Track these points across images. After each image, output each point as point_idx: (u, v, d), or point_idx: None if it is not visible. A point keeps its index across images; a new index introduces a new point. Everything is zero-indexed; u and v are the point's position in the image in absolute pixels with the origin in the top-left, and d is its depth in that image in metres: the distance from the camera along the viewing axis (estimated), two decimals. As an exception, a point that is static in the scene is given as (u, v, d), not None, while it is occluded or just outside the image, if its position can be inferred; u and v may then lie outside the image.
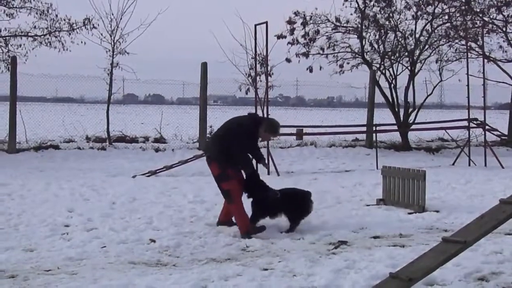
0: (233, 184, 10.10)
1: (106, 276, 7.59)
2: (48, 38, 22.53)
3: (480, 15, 24.63)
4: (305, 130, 23.84)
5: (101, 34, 22.56)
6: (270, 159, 17.13)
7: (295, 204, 10.37)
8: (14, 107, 20.07)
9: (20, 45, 22.37)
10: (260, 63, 20.75)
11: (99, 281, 7.39)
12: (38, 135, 22.24)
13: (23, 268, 8.01)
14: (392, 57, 24.97)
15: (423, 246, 8.75)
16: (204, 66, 21.96)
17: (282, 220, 10.68)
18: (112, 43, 22.58)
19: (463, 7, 24.21)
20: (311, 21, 24.63)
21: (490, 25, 24.93)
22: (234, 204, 10.10)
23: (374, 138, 21.58)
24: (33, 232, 9.88)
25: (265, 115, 18.25)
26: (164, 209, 11.85)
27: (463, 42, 23.73)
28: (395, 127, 24.02)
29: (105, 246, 9.11)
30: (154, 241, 9.42)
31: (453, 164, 20.18)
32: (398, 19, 24.74)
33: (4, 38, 22.22)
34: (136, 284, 7.23)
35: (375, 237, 9.94)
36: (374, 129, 22.02)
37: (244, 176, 10.23)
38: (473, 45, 24.64)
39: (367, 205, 12.66)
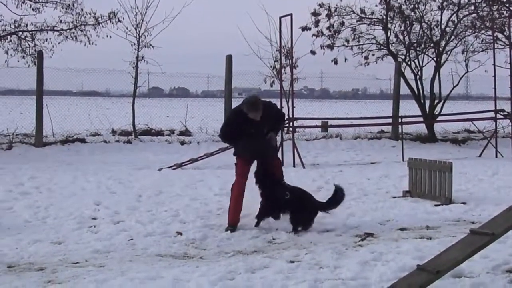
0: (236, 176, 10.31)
1: (133, 269, 7.63)
2: (74, 32, 22.62)
3: (507, 4, 24.41)
4: (330, 122, 23.78)
5: (126, 28, 22.68)
6: (295, 151, 17.12)
7: (300, 209, 9.88)
8: (40, 101, 20.20)
9: (46, 40, 22.49)
10: (285, 55, 20.75)
11: (126, 273, 7.44)
12: (65, 129, 22.37)
13: (52, 261, 8.08)
14: (418, 48, 24.83)
15: (450, 238, 8.69)
16: (229, 59, 21.96)
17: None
18: (137, 37, 22.69)
19: (489, -3, 24.01)
20: (336, 13, 24.53)
21: (517, 15, 24.71)
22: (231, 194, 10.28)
23: (399, 130, 21.47)
24: (61, 225, 9.97)
25: (291, 108, 18.25)
26: (190, 201, 11.89)
27: (490, 32, 23.57)
28: (421, 119, 23.88)
29: (132, 239, 9.17)
30: (180, 233, 9.46)
31: (480, 155, 20.06)
32: (423, 10, 24.59)
33: (30, 32, 22.34)
34: (163, 277, 7.27)
35: (401, 229, 9.91)
36: (399, 121, 21.90)
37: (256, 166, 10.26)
38: (500, 35, 24.42)
39: (394, 197, 12.62)
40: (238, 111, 10.02)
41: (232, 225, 9.84)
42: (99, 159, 18.25)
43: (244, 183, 10.21)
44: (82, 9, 22.59)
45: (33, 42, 22.38)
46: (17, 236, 9.28)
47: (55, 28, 22.44)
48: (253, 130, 9.95)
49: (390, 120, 23.38)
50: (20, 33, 22.15)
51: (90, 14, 22.70)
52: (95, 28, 22.81)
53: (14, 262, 8.02)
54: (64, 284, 7.07)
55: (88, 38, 22.81)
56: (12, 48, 22.16)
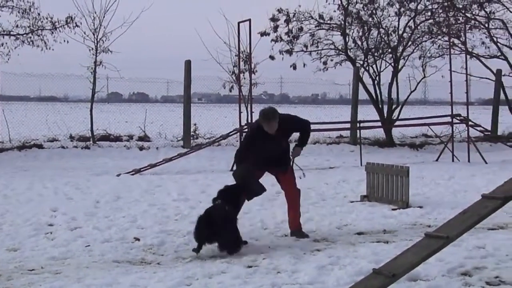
0: None
1: (90, 275, 7.59)
2: (30, 37, 22.40)
3: (463, 11, 24.75)
4: (289, 127, 23.82)
5: (84, 33, 22.46)
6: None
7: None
8: (-4, 107, 19.99)
9: (2, 44, 22.23)
10: (244, 60, 20.77)
11: (83, 280, 7.39)
12: (22, 134, 22.12)
13: (7, 268, 8.00)
14: (376, 54, 25.04)
15: (407, 242, 8.78)
16: (188, 64, 21.93)
17: (268, 216, 10.74)
18: (95, 42, 22.49)
19: (445, 4, 24.31)
20: (294, 18, 24.66)
21: (473, 21, 25.06)
22: None
23: (358, 135, 21.59)
24: (17, 232, 9.85)
25: (249, 112, 18.27)
26: (149, 207, 11.84)
27: (446, 38, 23.84)
28: (379, 124, 24.08)
29: (89, 245, 9.11)
30: (138, 239, 9.43)
31: (437, 160, 20.27)
32: (381, 16, 24.81)
33: (-14, 37, 22.11)
34: (120, 283, 7.23)
35: (359, 234, 10.00)
36: (358, 125, 22.06)
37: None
38: (456, 41, 24.72)
39: (351, 202, 12.70)
40: (257, 126, 9.73)
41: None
42: (56, 165, 18.09)
43: None
44: (39, 14, 22.38)
45: (-11, 47, 22.13)
46: (-29, 244, 9.16)
47: (11, 33, 22.21)
48: (267, 144, 9.60)
49: (348, 125, 23.52)
50: (-24, 38, 21.91)
51: (47, 18, 22.48)
52: (52, 32, 22.61)
53: (-32, 270, 7.92)
54: (19, 291, 7.00)
55: (45, 42, 22.60)
56: (-33, 53, 21.91)
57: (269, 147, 9.66)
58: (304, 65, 25.15)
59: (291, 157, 10.02)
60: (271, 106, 9.93)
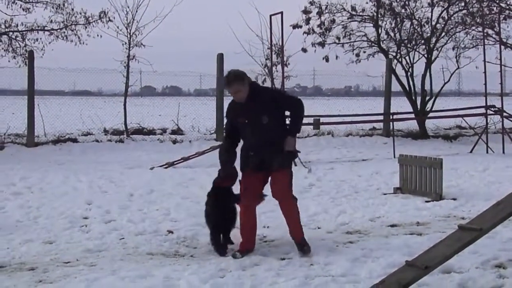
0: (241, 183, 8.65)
1: (125, 267, 7.66)
2: (64, 32, 22.64)
3: (497, 1, 24.47)
4: (322, 119, 23.85)
5: (117, 27, 22.67)
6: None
7: None
8: (32, 101, 20.19)
9: (37, 40, 22.49)
10: (276, 53, 20.79)
11: (117, 272, 7.46)
12: (57, 129, 22.35)
13: (43, 260, 8.10)
14: (409, 45, 24.89)
15: (440, 234, 8.74)
16: (220, 57, 21.98)
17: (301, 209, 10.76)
18: (128, 36, 22.66)
19: (479, -7, 24.07)
20: (326, 11, 24.58)
21: (507, 11, 24.78)
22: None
23: (391, 127, 21.51)
24: (52, 225, 9.97)
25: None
26: (182, 200, 11.91)
27: (480, 28, 23.61)
28: (412, 115, 23.95)
29: (123, 238, 9.19)
30: (171, 232, 9.48)
31: (471, 151, 20.11)
32: (414, 7, 24.65)
33: (21, 32, 22.34)
34: (154, 275, 7.30)
35: (392, 226, 9.96)
36: (391, 117, 21.98)
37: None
38: (490, 31, 24.52)
39: (384, 194, 12.67)
40: (231, 101, 8.37)
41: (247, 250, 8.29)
42: (91, 159, 18.25)
43: (250, 205, 8.50)
44: (72, 9, 22.62)
45: (24, 42, 22.38)
46: (8, 236, 9.28)
47: (46, 28, 22.45)
48: (247, 121, 8.14)
49: (381, 117, 23.45)
50: (11, 33, 22.15)
51: (80, 13, 22.73)
52: (86, 27, 22.83)
53: (5, 262, 8.03)
54: (55, 283, 7.09)
55: (79, 37, 22.84)
56: (2, 49, 22.18)
57: (248, 129, 8.20)
58: (337, 57, 25.10)
59: (286, 150, 8.19)
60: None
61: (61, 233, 9.49)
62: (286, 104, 8.13)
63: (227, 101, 23.09)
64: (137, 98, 41.07)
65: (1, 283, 7.11)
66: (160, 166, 16.50)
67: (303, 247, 8.20)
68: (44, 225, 9.95)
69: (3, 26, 22.10)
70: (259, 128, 8.09)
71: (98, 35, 22.97)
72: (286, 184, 8.33)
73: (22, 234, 9.37)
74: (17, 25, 22.33)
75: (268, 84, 21.25)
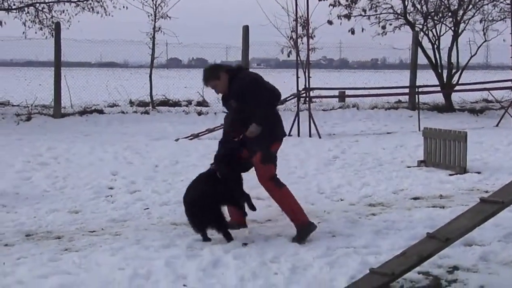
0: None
1: (149, 237, 7.76)
2: (90, 3, 22.68)
3: (526, -28, 24.16)
4: (347, 92, 23.80)
5: (143, -2, 22.67)
6: (311, 121, 17.16)
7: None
8: (58, 73, 20.30)
9: (63, 11, 22.56)
10: (302, 25, 20.71)
11: (142, 241, 7.57)
12: (83, 100, 22.47)
13: (69, 229, 8.24)
14: (435, 18, 24.66)
15: (463, 207, 8.70)
16: (246, 29, 21.95)
17: (324, 181, 10.80)
18: (154, 7, 22.67)
19: (507, -35, 23.78)
20: (352, -18, 24.39)
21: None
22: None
23: (417, 100, 21.42)
24: (78, 195, 10.11)
25: (307, 78, 18.26)
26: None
27: (508, 1, 23.35)
28: (438, 89, 23.81)
29: (148, 208, 9.31)
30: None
31: (497, 125, 19.99)
32: (441, -21, 24.38)
33: (47, 4, 22.43)
34: (177, 245, 7.40)
35: (415, 198, 9.99)
36: (417, 90, 21.88)
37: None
38: (518, 4, 24.20)
39: (408, 167, 12.66)
40: None
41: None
42: (116, 130, 18.36)
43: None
44: (98, -20, 22.63)
45: (50, 14, 22.46)
46: (35, 205, 9.44)
47: (72, 0, 22.50)
48: (228, 116, 8.27)
49: (407, 90, 23.33)
50: (37, 4, 22.24)
51: (106, -16, 22.73)
52: (111, -1, 22.85)
53: (32, 231, 8.18)
54: (80, 252, 7.21)
55: (105, 9, 22.87)
56: (29, 20, 22.29)
57: (228, 119, 8.29)
58: (363, 29, 24.93)
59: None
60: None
61: (86, 203, 9.63)
62: (251, 101, 7.69)
63: (252, 73, 23.04)
64: (163, 70, 41.10)
65: (28, 250, 7.25)
66: (185, 137, 16.58)
67: (304, 230, 7.72)
68: (70, 195, 10.10)
69: (30, -2, 22.22)
70: (231, 113, 8.08)
71: (124, 7, 23.02)
72: (260, 173, 7.83)
73: (49, 204, 9.52)
74: (43, -4, 22.43)
75: (294, 56, 21.20)
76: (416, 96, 21.52)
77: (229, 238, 7.60)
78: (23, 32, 22.27)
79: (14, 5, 21.36)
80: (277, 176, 7.89)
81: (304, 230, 7.69)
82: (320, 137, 16.78)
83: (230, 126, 8.10)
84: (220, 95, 8.22)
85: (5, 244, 7.58)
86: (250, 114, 7.68)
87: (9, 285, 6.18)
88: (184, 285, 6.22)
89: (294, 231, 7.81)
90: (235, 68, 8.14)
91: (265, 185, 7.84)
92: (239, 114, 7.85)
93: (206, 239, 7.62)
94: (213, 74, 8.01)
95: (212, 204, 7.61)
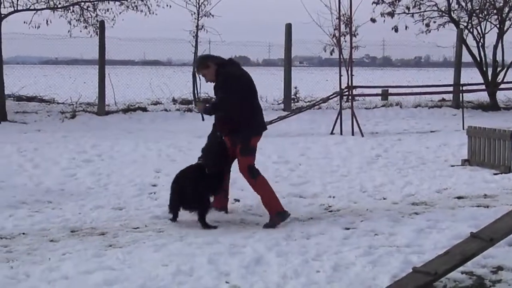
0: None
1: (192, 234, 7.82)
2: (134, 2, 22.77)
3: None
4: (390, 90, 23.66)
5: (186, -3, 22.77)
6: (354, 119, 17.10)
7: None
8: (103, 71, 20.52)
9: (108, 10, 22.68)
10: (345, 23, 20.62)
11: (185, 238, 7.64)
12: (127, 98, 22.66)
13: (113, 226, 8.33)
14: (480, 15, 24.39)
15: (508, 207, 8.60)
16: (289, 27, 21.96)
17: (367, 179, 10.77)
18: (197, 6, 22.77)
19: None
20: (396, -20, 24.23)
21: None
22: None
23: (461, 98, 21.22)
24: (122, 192, 10.21)
25: (350, 76, 18.19)
26: (249, 169, 11.99)
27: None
28: (483, 87, 23.54)
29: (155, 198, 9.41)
30: (238, 200, 9.61)
31: (543, 124, 19.73)
32: (486, -25, 24.11)
33: (92, 3, 22.59)
34: (220, 242, 7.44)
35: (458, 198, 9.90)
36: (461, 88, 21.67)
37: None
38: None
39: (452, 166, 12.57)
40: None
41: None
42: (160, 127, 18.49)
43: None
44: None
45: (95, 12, 22.58)
46: (80, 202, 9.55)
47: (116, -2, 22.66)
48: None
49: (451, 88, 23.10)
50: (82, 3, 22.41)
51: (150, -17, 22.85)
52: (155, -3, 22.96)
53: (77, 227, 8.28)
54: (124, 248, 7.29)
55: (149, 7, 22.93)
56: (74, 19, 22.42)
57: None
58: (406, 27, 24.75)
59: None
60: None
61: (130, 199, 9.72)
62: (222, 91, 8.58)
63: (295, 71, 23.10)
64: (205, 67, 41.38)
65: (73, 246, 7.35)
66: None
67: (270, 223, 8.29)
68: (114, 192, 10.20)
69: (75, -4, 22.42)
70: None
71: (167, 5, 23.10)
72: (239, 163, 8.61)
73: (93, 200, 9.63)
74: (88, -5, 22.61)
75: (336, 54, 21.13)
76: (460, 94, 21.32)
77: (206, 226, 8.21)
78: (68, 31, 22.45)
79: (59, 4, 21.56)
80: (256, 166, 8.63)
81: (277, 217, 8.33)
82: (362, 136, 16.71)
83: (216, 121, 8.96)
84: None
85: (50, 240, 7.70)
86: (232, 107, 8.47)
87: (55, 280, 6.27)
88: (227, 282, 6.25)
89: (335, 230, 7.84)
90: (224, 61, 8.74)
91: (243, 173, 8.58)
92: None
93: (174, 220, 8.46)
94: (202, 63, 8.76)
95: (203, 192, 8.36)
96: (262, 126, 8.86)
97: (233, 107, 8.48)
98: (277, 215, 8.33)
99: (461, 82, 22.73)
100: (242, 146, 8.49)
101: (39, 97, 23.31)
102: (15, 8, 20.36)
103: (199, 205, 8.30)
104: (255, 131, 8.66)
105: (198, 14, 22.74)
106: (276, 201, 8.46)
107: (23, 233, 7.96)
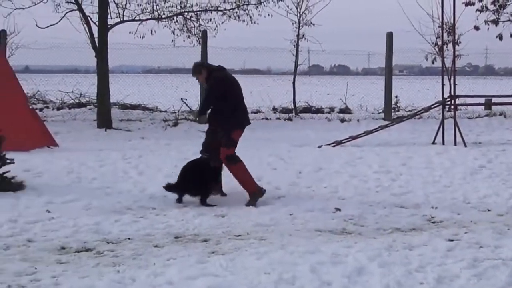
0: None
1: (293, 242, 7.85)
2: (236, 12, 23.06)
3: None
4: (493, 100, 23.16)
5: (287, 7, 22.94)
6: (456, 129, 16.81)
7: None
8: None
9: (210, 19, 23.03)
10: (447, 31, 20.32)
11: (286, 246, 7.67)
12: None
13: (215, 233, 8.43)
14: None
15: None
16: (390, 36, 21.80)
17: (471, 190, 10.58)
18: (298, 15, 22.90)
19: None
20: (501, -13, 23.71)
21: None
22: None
23: None
24: (224, 199, 10.34)
25: (452, 85, 17.91)
26: (349, 178, 11.97)
27: None
28: None
29: (292, 214, 9.39)
30: (339, 209, 9.59)
31: None
32: None
33: (195, 13, 22.96)
34: (322, 251, 7.44)
35: None
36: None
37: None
38: None
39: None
40: None
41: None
42: (260, 136, 18.55)
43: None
44: (244, -11, 23.00)
45: (198, 22, 22.96)
46: (183, 209, 9.72)
47: (219, 8, 22.95)
48: None
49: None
50: (186, 13, 22.81)
51: (252, -7, 23.08)
52: (257, 7, 23.14)
53: (180, 233, 8.43)
54: (226, 255, 7.37)
55: (251, 17, 23.17)
56: (178, 28, 22.85)
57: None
58: (511, 35, 24.22)
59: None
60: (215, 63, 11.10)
61: (232, 207, 9.82)
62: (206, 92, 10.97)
63: (396, 80, 22.88)
64: (305, 76, 41.44)
65: (177, 252, 7.49)
66: (328, 144, 16.59)
67: (250, 201, 10.06)
68: (216, 199, 10.33)
69: (178, 7, 22.79)
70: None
71: (269, 15, 23.28)
72: (222, 153, 10.27)
73: (196, 207, 9.78)
74: (191, 6, 22.95)
75: (438, 63, 20.82)
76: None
77: (207, 204, 9.97)
78: (172, 40, 22.91)
79: (164, 14, 22.01)
80: (236, 155, 10.36)
81: (255, 195, 10.10)
82: (465, 146, 16.39)
83: (207, 119, 10.81)
84: None
85: (155, 245, 7.86)
86: (214, 105, 10.41)
87: (160, 285, 6.40)
88: (329, 291, 6.26)
89: (439, 241, 7.75)
90: (214, 68, 10.64)
91: (224, 161, 10.31)
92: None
93: (180, 201, 10.11)
94: (196, 69, 10.63)
95: (206, 182, 10.17)
96: (246, 121, 10.71)
97: (216, 105, 10.39)
98: (254, 193, 10.11)
99: None
100: (225, 138, 10.24)
101: (142, 105, 23.90)
102: (121, 19, 20.91)
103: (204, 192, 10.05)
104: (236, 126, 10.42)
105: (299, 23, 22.87)
106: (252, 181, 10.28)
107: (129, 238, 8.16)
